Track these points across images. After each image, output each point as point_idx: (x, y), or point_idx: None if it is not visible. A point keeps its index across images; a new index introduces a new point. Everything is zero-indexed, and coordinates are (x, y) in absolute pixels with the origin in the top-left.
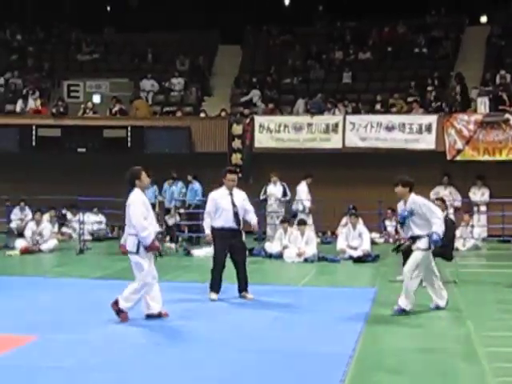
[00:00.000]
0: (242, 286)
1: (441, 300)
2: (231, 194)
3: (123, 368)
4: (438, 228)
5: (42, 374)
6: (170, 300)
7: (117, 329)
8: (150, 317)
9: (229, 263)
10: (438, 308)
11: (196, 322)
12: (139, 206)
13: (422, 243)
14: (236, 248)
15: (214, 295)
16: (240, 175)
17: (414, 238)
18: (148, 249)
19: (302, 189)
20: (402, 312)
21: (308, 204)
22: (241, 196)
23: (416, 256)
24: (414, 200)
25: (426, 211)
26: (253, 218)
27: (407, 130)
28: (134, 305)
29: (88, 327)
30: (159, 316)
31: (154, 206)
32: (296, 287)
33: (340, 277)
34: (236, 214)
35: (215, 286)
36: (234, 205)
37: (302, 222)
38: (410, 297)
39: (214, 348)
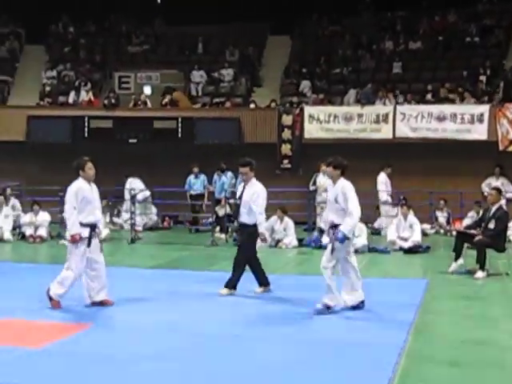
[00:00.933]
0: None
1: (350, 296)
2: (244, 188)
3: (178, 357)
4: (347, 227)
5: (97, 361)
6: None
7: (172, 317)
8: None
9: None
10: (328, 307)
11: (247, 311)
12: (70, 196)
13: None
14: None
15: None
16: (289, 166)
17: (333, 227)
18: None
19: (381, 179)
20: (327, 309)
21: (384, 196)
22: (252, 191)
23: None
24: (342, 185)
25: (343, 202)
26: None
27: (459, 120)
28: (66, 292)
29: (141, 316)
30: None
31: (202, 196)
32: None
33: (390, 268)
34: (238, 207)
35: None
36: (240, 198)
37: None
38: (334, 291)
39: (264, 338)
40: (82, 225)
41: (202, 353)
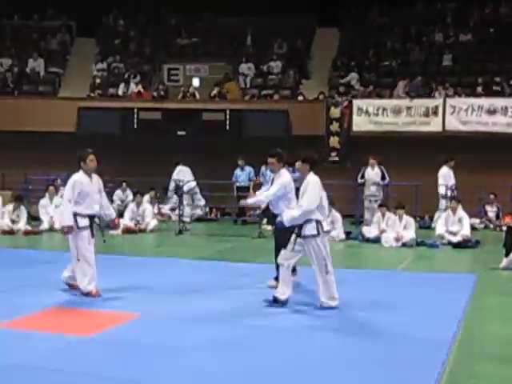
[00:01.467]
0: None
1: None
2: (273, 179)
3: (227, 347)
4: (288, 215)
5: (146, 351)
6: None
7: (220, 308)
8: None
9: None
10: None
11: (295, 303)
12: (67, 189)
13: (309, 229)
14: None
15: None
16: (337, 158)
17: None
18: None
19: (442, 173)
20: (277, 302)
21: (442, 189)
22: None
23: (320, 245)
24: (308, 180)
25: (304, 191)
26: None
27: (510, 114)
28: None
29: (189, 306)
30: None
31: (248, 188)
32: (394, 272)
33: (439, 262)
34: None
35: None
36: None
37: (401, 206)
38: (287, 285)
39: (315, 332)
40: (82, 216)
41: (252, 344)
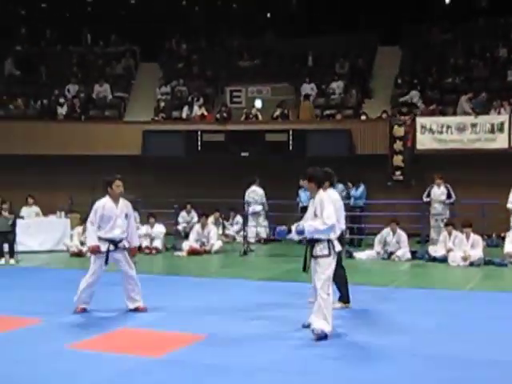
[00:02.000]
0: None
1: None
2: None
3: (294, 369)
4: (312, 226)
5: (213, 373)
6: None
7: (287, 329)
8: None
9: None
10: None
11: (361, 328)
12: (92, 213)
13: (321, 249)
14: None
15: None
16: (401, 177)
17: (313, 241)
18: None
19: None
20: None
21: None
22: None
23: (323, 267)
24: (321, 197)
25: (321, 208)
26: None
27: None
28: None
29: (255, 327)
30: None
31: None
32: (461, 292)
33: (508, 281)
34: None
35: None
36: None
37: (468, 224)
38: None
39: (385, 351)
40: (102, 240)
41: (316, 369)
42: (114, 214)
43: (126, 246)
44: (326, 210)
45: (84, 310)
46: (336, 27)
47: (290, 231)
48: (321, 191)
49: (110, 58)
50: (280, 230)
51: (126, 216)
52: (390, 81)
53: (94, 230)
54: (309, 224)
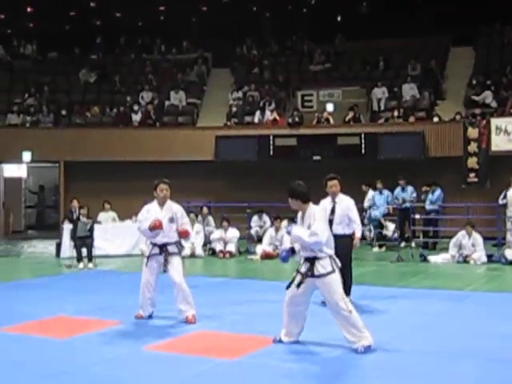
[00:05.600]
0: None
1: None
2: (334, 202)
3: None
4: (299, 233)
5: (288, 375)
6: (403, 307)
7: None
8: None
9: None
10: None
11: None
12: (139, 215)
13: (323, 266)
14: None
15: None
16: (476, 180)
17: (311, 259)
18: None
19: None
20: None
21: None
22: (345, 204)
23: (333, 285)
24: (313, 210)
25: (311, 222)
26: (356, 229)
27: None
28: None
29: (333, 332)
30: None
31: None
32: None
33: None
34: (330, 222)
35: None
36: (332, 212)
37: None
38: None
39: (460, 355)
40: (151, 244)
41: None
42: (157, 217)
43: (173, 251)
44: (317, 223)
45: (141, 317)
46: (407, 29)
47: (293, 251)
48: (311, 205)
49: (182, 64)
50: (282, 255)
51: (171, 220)
52: (463, 82)
53: (141, 227)
54: (298, 230)
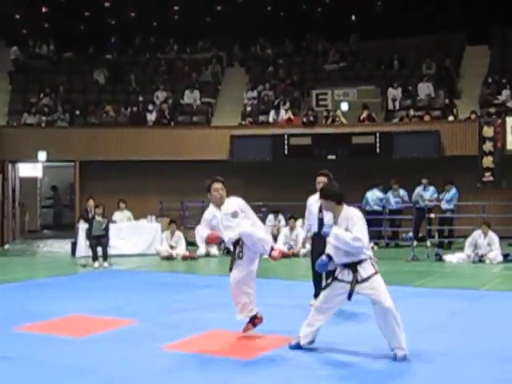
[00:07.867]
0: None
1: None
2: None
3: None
4: (340, 233)
5: (303, 375)
6: (418, 306)
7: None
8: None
9: None
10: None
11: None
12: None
13: (368, 268)
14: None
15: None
16: (492, 179)
17: (353, 264)
18: None
19: None
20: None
21: None
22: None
23: (381, 285)
24: (353, 212)
25: (352, 224)
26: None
27: None
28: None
29: (346, 328)
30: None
31: (400, 211)
32: None
33: None
34: (321, 220)
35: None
36: (320, 211)
37: None
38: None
39: (473, 355)
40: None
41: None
42: (215, 222)
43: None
44: (357, 227)
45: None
46: (422, 27)
47: (330, 258)
48: (345, 206)
49: (197, 64)
50: (321, 262)
51: (234, 215)
52: (478, 81)
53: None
54: (339, 230)
